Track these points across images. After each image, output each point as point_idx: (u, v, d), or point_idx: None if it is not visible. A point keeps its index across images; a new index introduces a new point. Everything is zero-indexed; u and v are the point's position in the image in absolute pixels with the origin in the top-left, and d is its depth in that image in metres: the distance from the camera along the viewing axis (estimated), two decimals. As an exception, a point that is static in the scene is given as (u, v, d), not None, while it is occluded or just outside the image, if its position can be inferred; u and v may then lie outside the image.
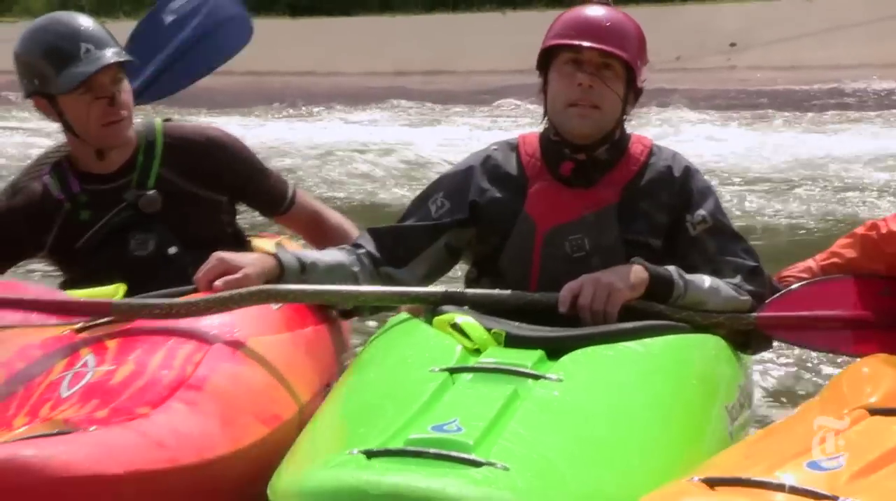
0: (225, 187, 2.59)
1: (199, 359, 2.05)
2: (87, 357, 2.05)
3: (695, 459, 1.78)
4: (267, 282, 2.24)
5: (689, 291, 2.23)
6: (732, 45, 14.76)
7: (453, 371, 1.86)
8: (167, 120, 2.63)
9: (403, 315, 2.19)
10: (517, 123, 11.50)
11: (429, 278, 2.40)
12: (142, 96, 2.90)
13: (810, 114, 11.21)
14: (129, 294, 2.33)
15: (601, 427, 1.76)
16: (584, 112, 2.28)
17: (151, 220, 2.50)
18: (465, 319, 2.02)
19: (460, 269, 2.53)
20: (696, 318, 2.21)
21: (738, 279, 2.31)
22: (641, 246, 2.29)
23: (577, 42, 2.28)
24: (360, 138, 10.09)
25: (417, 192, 2.46)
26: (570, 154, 2.32)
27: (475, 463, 1.57)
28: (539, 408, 1.76)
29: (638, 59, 2.31)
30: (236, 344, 2.14)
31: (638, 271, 2.19)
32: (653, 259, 2.25)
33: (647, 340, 2.03)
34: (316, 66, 16.11)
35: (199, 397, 1.94)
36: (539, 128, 2.41)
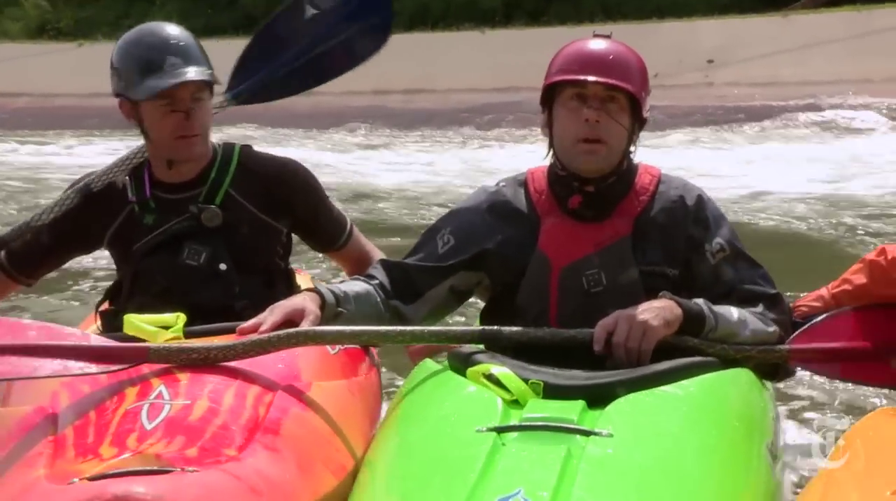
0: (289, 216, 2.63)
1: (270, 401, 2.05)
2: (160, 387, 2.05)
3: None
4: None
5: (720, 324, 2.21)
6: (710, 61, 14.85)
7: (500, 430, 1.83)
8: (246, 146, 2.69)
9: (431, 363, 2.17)
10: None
11: (433, 318, 2.40)
12: (252, 97, 2.87)
13: (788, 129, 11.31)
14: (173, 300, 2.41)
15: (657, 482, 1.74)
16: (591, 149, 2.27)
17: (210, 235, 2.55)
18: (501, 370, 1.99)
19: (468, 304, 2.52)
20: (730, 352, 2.20)
21: (760, 308, 2.30)
22: (658, 276, 2.29)
23: (581, 77, 2.27)
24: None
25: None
26: (578, 187, 2.31)
27: None
28: (597, 469, 1.73)
29: (642, 90, 2.31)
30: (301, 389, 2.13)
31: (671, 307, 2.17)
32: (671, 289, 2.24)
33: (685, 382, 2.01)
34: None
35: (277, 442, 1.94)
36: (545, 161, 2.40)
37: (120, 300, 2.60)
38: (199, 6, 21.09)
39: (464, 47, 16.63)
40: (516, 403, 1.93)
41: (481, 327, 2.20)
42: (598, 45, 2.33)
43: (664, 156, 9.06)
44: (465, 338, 2.17)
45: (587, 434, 1.81)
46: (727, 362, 2.17)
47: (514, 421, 1.85)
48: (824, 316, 2.39)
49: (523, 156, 10.13)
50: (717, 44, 15.13)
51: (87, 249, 2.71)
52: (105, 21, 21.78)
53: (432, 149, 11.60)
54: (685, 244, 2.32)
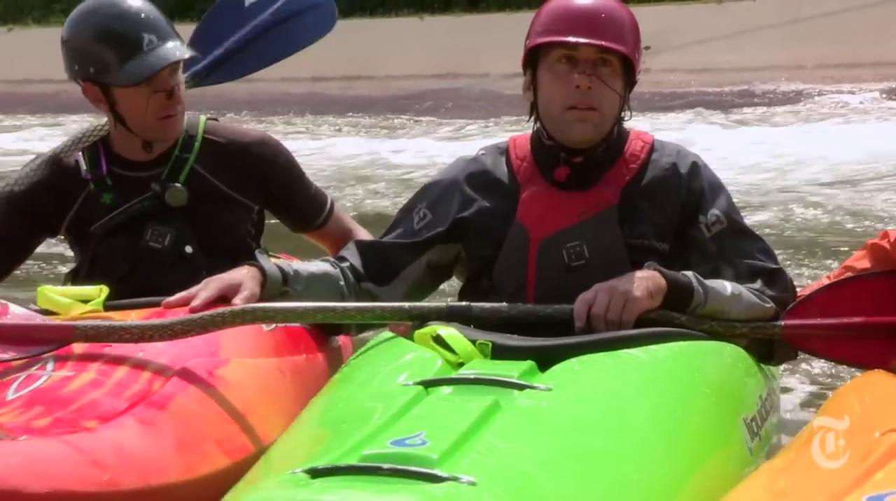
0: (263, 193, 2.46)
1: (170, 376, 1.88)
2: (49, 359, 1.89)
3: (708, 475, 1.63)
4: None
5: (710, 299, 2.02)
6: (647, 48, 14.99)
7: (429, 384, 1.68)
8: (212, 119, 2.52)
9: (387, 333, 2.00)
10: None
11: (410, 297, 2.20)
12: (208, 77, 2.78)
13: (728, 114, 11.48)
14: (135, 285, 2.27)
15: (593, 438, 1.57)
16: (583, 116, 2.08)
17: (174, 215, 2.39)
18: (449, 331, 1.83)
19: (449, 285, 2.38)
20: (718, 329, 2.02)
21: (758, 284, 2.10)
22: (646, 250, 2.10)
23: (571, 39, 2.06)
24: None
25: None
26: (566, 158, 2.13)
27: (436, 479, 1.38)
28: (521, 420, 1.57)
29: (636, 51, 2.12)
30: (215, 365, 1.95)
31: (655, 278, 1.99)
32: (661, 264, 2.06)
33: (653, 347, 1.83)
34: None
35: (158, 416, 1.78)
36: (527, 129, 2.22)
37: (78, 285, 2.41)
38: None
39: (403, 33, 16.57)
40: (461, 366, 1.78)
41: (449, 304, 2.02)
42: (586, 1, 2.11)
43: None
44: (432, 316, 1.97)
45: (522, 387, 1.65)
46: (715, 338, 2.00)
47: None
48: (822, 287, 2.15)
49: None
50: (654, 30, 15.25)
51: (45, 232, 2.51)
52: (35, 5, 21.30)
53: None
54: (677, 215, 2.13)
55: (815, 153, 8.54)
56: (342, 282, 2.18)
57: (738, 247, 2.14)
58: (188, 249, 2.38)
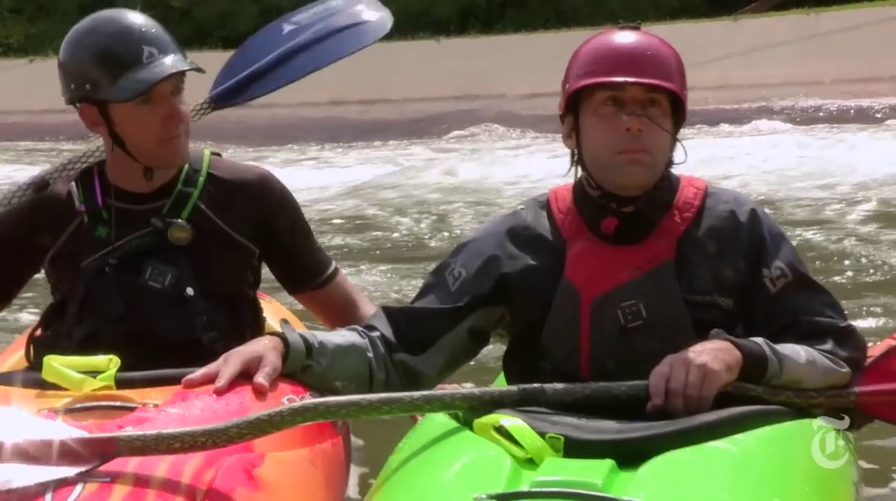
0: (263, 235, 2.26)
1: (212, 478, 1.69)
2: (76, 464, 1.67)
3: None
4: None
5: (785, 369, 1.86)
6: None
7: (504, 498, 1.49)
8: (215, 153, 2.35)
9: (436, 414, 1.84)
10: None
11: (450, 368, 2.06)
12: (231, 99, 2.60)
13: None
14: (130, 327, 2.12)
15: None
16: (634, 158, 1.93)
17: (176, 254, 2.19)
18: (514, 421, 1.65)
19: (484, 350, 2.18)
20: (795, 400, 1.86)
21: (829, 344, 1.94)
22: (709, 307, 1.94)
23: (617, 79, 1.92)
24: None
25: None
26: (615, 208, 1.96)
27: None
28: None
29: (684, 88, 1.99)
30: (252, 462, 1.75)
31: (730, 349, 1.82)
32: (724, 322, 1.91)
33: (740, 437, 1.66)
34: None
35: None
36: (566, 179, 2.06)
37: (61, 326, 2.21)
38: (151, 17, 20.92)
39: (419, 56, 16.65)
40: (531, 462, 1.60)
41: (521, 386, 1.82)
42: (629, 38, 1.98)
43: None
44: (504, 402, 1.79)
45: None
46: (792, 411, 1.84)
47: (524, 486, 1.52)
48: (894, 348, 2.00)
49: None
50: (670, 48, 15.28)
51: (26, 263, 2.29)
52: (55, 35, 21.54)
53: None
54: (739, 269, 1.96)
55: None
56: (370, 354, 2.00)
57: (805, 303, 1.97)
58: (189, 291, 2.19)
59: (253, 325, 2.27)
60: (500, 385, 2.05)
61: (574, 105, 1.98)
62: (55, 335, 2.20)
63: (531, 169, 9.76)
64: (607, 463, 1.55)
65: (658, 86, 1.94)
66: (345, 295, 2.36)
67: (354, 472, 2.46)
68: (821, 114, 12.58)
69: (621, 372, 1.86)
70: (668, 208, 1.99)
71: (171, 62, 2.15)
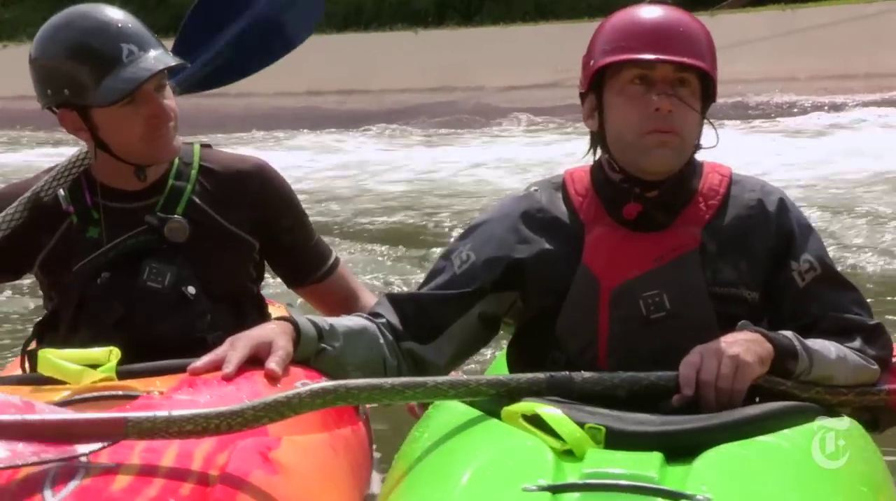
0: (262, 227, 2.18)
1: (224, 463, 1.59)
2: (79, 444, 1.58)
3: None
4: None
5: (815, 365, 1.79)
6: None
7: (555, 490, 1.40)
8: (206, 146, 2.25)
9: (453, 404, 1.75)
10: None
11: (460, 357, 1.98)
12: (199, 83, 2.51)
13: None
14: (133, 331, 2.03)
15: None
16: (663, 140, 1.83)
17: (174, 252, 2.11)
18: (551, 410, 1.57)
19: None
20: (826, 396, 1.80)
21: (857, 342, 1.87)
22: (734, 300, 1.87)
23: (646, 56, 1.82)
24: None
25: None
26: (639, 193, 1.87)
27: None
28: None
29: (714, 67, 1.88)
30: (268, 445, 1.67)
31: (761, 341, 1.75)
32: (749, 316, 1.83)
33: (786, 432, 1.61)
34: (228, 87, 15.94)
35: None
36: (583, 161, 1.97)
37: (58, 335, 2.12)
38: (128, 7, 20.77)
39: (397, 47, 16.63)
40: (569, 454, 1.51)
41: (549, 374, 1.74)
42: (657, 13, 1.87)
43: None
44: (532, 390, 1.71)
45: (676, 497, 1.38)
46: (822, 408, 1.76)
47: (570, 478, 1.43)
48: None
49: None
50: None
51: (9, 270, 2.22)
52: (30, 22, 21.35)
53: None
54: (767, 260, 1.89)
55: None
56: (382, 341, 1.92)
57: (833, 299, 1.90)
58: (190, 290, 2.10)
59: (259, 323, 2.14)
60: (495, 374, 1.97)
61: (597, 83, 1.89)
62: (51, 345, 2.07)
63: (510, 155, 9.78)
64: (657, 456, 1.48)
65: (690, 65, 1.84)
66: (346, 287, 2.30)
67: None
68: (795, 110, 12.66)
69: (641, 365, 1.78)
70: (693, 195, 1.91)
71: (153, 59, 2.05)
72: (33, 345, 2.16)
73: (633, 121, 1.84)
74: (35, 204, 2.13)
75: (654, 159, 1.85)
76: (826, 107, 12.85)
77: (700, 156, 1.94)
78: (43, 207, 2.13)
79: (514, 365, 2.01)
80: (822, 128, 11.53)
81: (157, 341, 2.04)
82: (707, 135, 1.92)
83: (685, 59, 1.83)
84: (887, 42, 13.36)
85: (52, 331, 2.15)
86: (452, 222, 6.95)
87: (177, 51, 2.40)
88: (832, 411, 1.78)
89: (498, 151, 10.53)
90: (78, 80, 2.04)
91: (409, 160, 10.35)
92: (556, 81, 12.51)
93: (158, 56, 2.07)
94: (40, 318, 2.21)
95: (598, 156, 1.95)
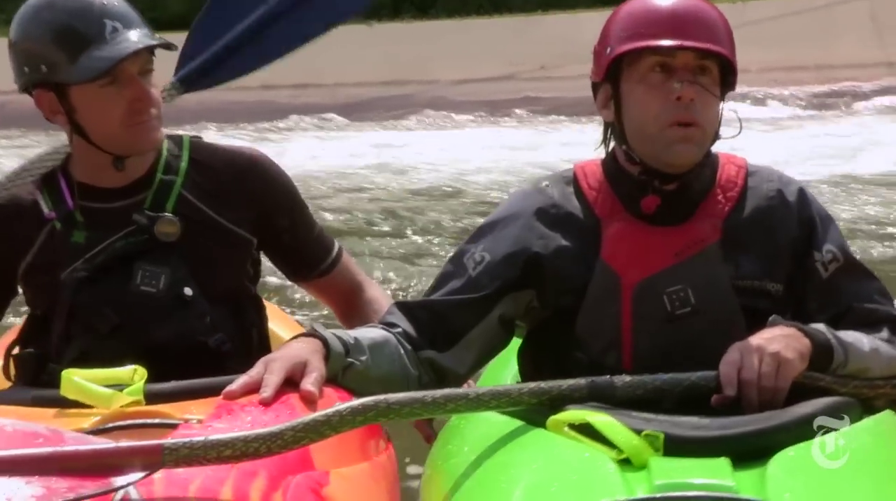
0: (260, 221, 2.07)
1: None
2: (128, 485, 1.48)
3: None
4: None
5: (851, 357, 1.75)
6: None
7: None
8: (196, 137, 2.14)
9: (494, 416, 1.69)
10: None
11: (480, 363, 1.93)
12: (203, 79, 2.41)
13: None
14: (128, 339, 1.93)
15: None
16: (687, 134, 1.78)
17: (167, 252, 1.99)
18: (604, 419, 1.51)
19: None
20: (864, 390, 1.75)
21: (885, 333, 1.83)
22: (758, 293, 1.82)
23: (668, 42, 1.77)
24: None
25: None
26: (658, 186, 1.82)
27: None
28: None
29: (734, 54, 1.84)
30: (318, 482, 1.60)
31: (798, 336, 1.71)
32: (776, 311, 1.79)
33: (847, 431, 1.57)
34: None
35: None
36: (595, 153, 1.92)
37: (46, 342, 2.01)
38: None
39: (352, 40, 16.57)
40: (627, 463, 1.45)
41: (589, 379, 1.67)
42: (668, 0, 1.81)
43: (563, 149, 9.22)
44: (574, 397, 1.65)
45: None
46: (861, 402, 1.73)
47: (640, 492, 1.36)
48: None
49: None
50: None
51: (7, 292, 2.11)
52: (10, 12, 21.01)
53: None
54: (789, 252, 1.85)
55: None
56: (402, 351, 1.84)
57: (857, 290, 1.87)
58: (187, 292, 1.98)
59: (258, 324, 2.11)
60: (493, 381, 1.94)
61: (613, 72, 1.83)
62: (38, 353, 2.00)
63: (465, 152, 9.80)
64: (725, 462, 1.43)
65: (712, 51, 1.79)
66: (351, 278, 2.20)
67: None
68: (747, 100, 12.78)
69: (667, 364, 1.72)
70: (712, 187, 1.86)
71: (136, 37, 1.95)
72: (18, 349, 2.05)
73: (653, 111, 1.79)
74: (7, 204, 2.04)
75: (678, 153, 1.80)
76: (777, 99, 12.99)
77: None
78: (22, 214, 2.02)
79: (528, 369, 1.94)
80: (774, 119, 11.66)
81: (157, 348, 1.93)
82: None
83: (708, 46, 1.79)
84: (837, 34, 13.54)
85: (41, 339, 2.03)
86: (405, 216, 6.97)
87: (191, 40, 2.34)
88: (870, 405, 1.74)
89: (453, 144, 10.56)
90: (56, 57, 1.94)
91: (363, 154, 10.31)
92: (511, 74, 12.55)
93: (143, 35, 1.97)
94: (25, 319, 2.09)
95: (610, 148, 1.90)
